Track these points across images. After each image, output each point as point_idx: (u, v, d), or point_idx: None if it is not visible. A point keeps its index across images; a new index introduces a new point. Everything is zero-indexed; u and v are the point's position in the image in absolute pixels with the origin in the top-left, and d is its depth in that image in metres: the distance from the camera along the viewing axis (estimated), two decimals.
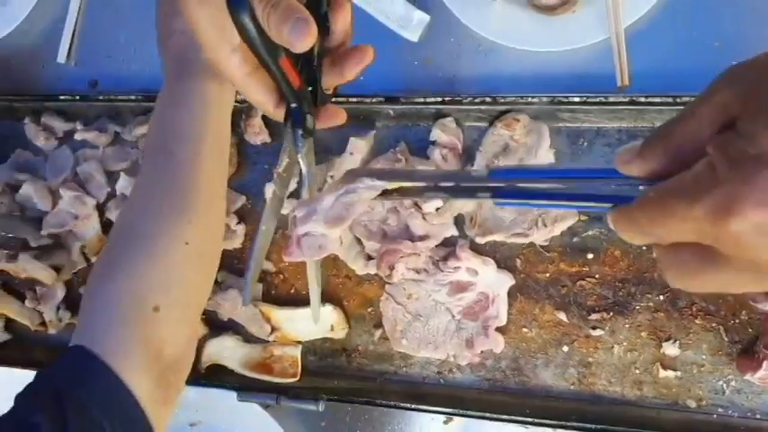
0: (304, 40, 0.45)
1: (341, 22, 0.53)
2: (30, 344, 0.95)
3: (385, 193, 0.47)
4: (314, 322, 0.75)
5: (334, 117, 0.57)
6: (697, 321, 0.72)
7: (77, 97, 0.92)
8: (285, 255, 0.56)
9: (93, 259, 0.90)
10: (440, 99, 0.77)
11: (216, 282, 0.84)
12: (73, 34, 0.95)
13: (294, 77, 0.50)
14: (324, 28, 0.52)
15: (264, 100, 0.52)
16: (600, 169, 0.38)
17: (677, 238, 0.33)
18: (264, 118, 0.84)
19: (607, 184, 0.37)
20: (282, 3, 0.45)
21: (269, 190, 0.55)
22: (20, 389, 0.56)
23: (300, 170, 0.58)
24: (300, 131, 0.54)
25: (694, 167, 0.32)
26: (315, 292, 0.69)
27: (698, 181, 0.31)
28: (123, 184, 0.89)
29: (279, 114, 0.54)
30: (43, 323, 0.93)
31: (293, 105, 0.53)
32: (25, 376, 0.57)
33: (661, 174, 0.34)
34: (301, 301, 0.84)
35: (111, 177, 0.90)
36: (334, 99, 0.57)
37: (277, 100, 0.53)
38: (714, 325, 0.71)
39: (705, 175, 0.31)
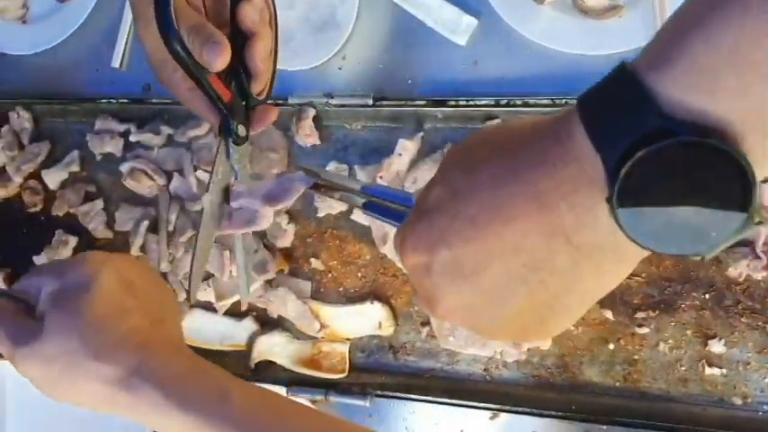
0: (217, 59, 0.53)
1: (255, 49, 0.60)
2: None
3: (315, 186, 0.58)
4: (241, 300, 0.73)
5: (266, 117, 0.64)
6: (743, 319, 0.75)
7: (131, 101, 0.98)
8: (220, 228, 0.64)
9: None
10: (487, 101, 0.81)
11: (267, 281, 0.89)
12: (127, 40, 1.01)
13: (224, 92, 0.59)
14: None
15: (206, 112, 0.60)
16: None
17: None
18: (316, 120, 0.89)
19: None
20: (204, 30, 0.54)
21: (206, 200, 0.63)
22: None
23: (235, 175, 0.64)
24: (231, 139, 0.61)
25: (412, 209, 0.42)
26: (241, 267, 0.69)
27: (403, 222, 0.41)
28: (176, 185, 0.94)
29: (215, 124, 0.62)
30: None
31: (224, 117, 0.60)
32: None
33: None
34: (350, 299, 0.89)
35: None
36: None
37: (217, 112, 0.60)
38: (760, 323, 0.75)
39: (408, 218, 0.41)
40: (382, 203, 0.52)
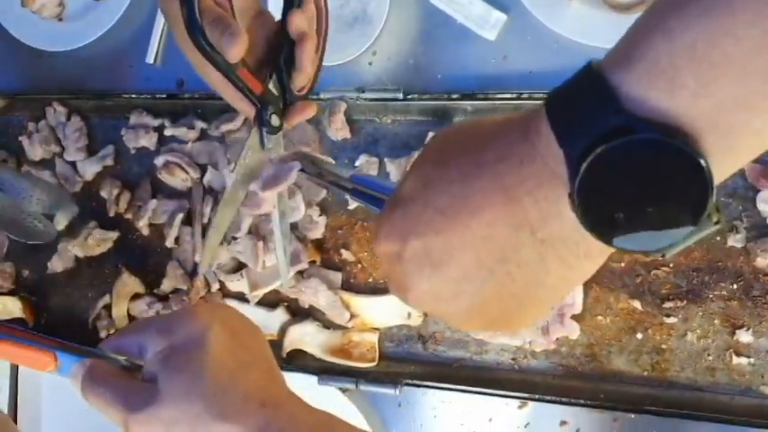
0: (233, 49, 0.56)
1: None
2: None
3: (304, 170, 0.64)
4: (282, 281, 0.77)
5: (303, 112, 0.67)
6: None
7: (165, 96, 1.01)
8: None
9: None
10: (516, 95, 0.83)
11: (299, 271, 0.92)
12: (161, 36, 1.04)
13: (255, 85, 0.62)
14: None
15: (240, 102, 0.64)
16: None
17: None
18: (347, 114, 0.91)
19: None
20: (222, 21, 0.57)
21: (229, 180, 0.66)
22: None
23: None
24: (265, 129, 0.65)
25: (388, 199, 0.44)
26: (279, 250, 0.72)
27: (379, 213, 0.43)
28: (210, 178, 0.98)
29: (250, 113, 0.65)
30: None
31: (259, 107, 0.64)
32: None
33: None
34: (379, 289, 0.92)
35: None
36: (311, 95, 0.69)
37: (251, 103, 0.64)
38: None
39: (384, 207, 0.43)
40: (368, 191, 0.54)
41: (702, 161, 0.30)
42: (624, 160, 0.31)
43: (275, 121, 0.65)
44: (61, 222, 1.04)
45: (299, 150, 0.75)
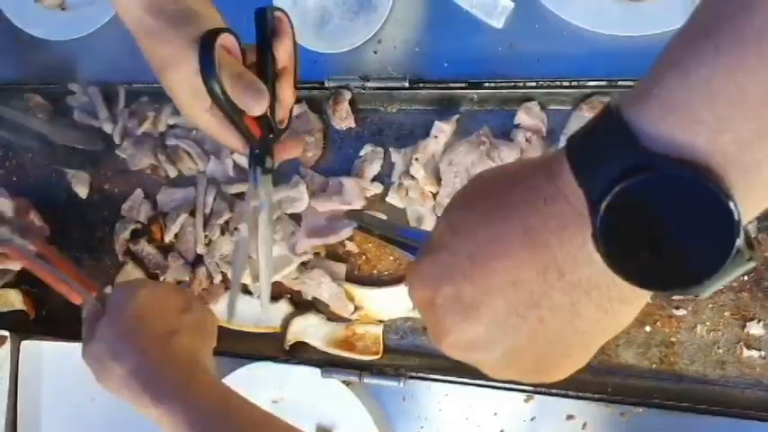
0: (257, 105, 0.63)
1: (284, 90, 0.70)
2: None
3: (361, 229, 0.64)
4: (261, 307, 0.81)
5: (291, 150, 0.74)
6: None
7: None
8: None
9: None
10: (524, 83, 0.83)
11: (302, 263, 0.92)
12: None
13: (256, 130, 0.67)
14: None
15: (237, 145, 0.69)
16: None
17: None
18: (352, 103, 0.91)
19: None
20: (245, 77, 0.63)
21: (243, 228, 0.73)
22: None
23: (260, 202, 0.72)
24: (260, 170, 0.69)
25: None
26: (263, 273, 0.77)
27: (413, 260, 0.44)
28: (213, 167, 0.98)
29: (246, 153, 0.70)
30: None
31: (256, 151, 0.69)
32: None
33: None
34: (383, 281, 0.92)
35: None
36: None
37: (245, 143, 0.69)
38: None
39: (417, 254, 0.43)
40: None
41: (723, 196, 0.30)
42: (644, 198, 0.31)
43: (269, 162, 0.70)
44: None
45: (360, 210, 0.81)
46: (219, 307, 0.98)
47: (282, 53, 0.68)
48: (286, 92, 0.69)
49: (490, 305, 0.37)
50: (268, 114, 0.67)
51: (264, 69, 0.67)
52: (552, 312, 0.36)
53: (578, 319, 0.36)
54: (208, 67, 0.60)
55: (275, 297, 0.95)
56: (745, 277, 0.77)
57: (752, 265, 0.31)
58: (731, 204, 0.30)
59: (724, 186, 0.30)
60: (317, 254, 0.93)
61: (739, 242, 0.30)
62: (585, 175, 0.33)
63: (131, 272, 1.02)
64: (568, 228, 0.34)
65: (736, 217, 0.30)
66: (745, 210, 0.30)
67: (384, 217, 0.75)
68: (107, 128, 1.03)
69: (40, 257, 0.92)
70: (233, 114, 0.63)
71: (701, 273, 0.31)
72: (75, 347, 0.98)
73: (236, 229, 0.94)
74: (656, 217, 0.31)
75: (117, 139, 1.02)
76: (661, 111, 0.30)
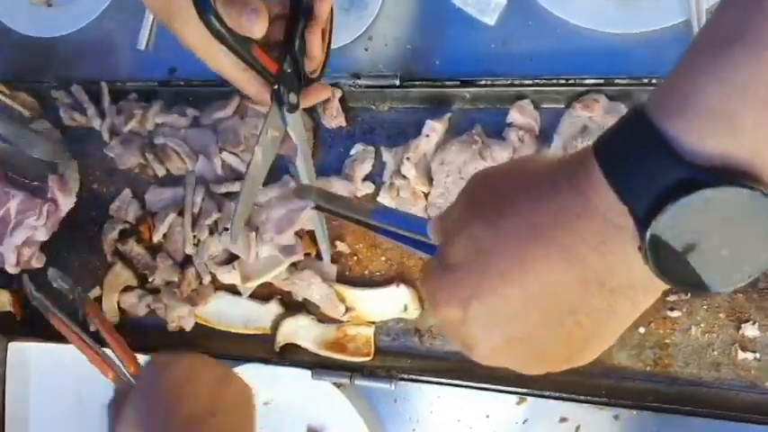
0: (255, 25, 0.59)
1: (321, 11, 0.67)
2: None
3: (318, 208, 0.62)
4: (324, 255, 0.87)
5: (318, 94, 0.72)
6: None
7: (156, 83, 1.00)
8: None
9: None
10: (517, 81, 0.82)
11: (293, 263, 0.91)
12: (152, 22, 1.03)
13: (270, 64, 0.64)
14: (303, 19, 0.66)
15: (258, 91, 0.67)
16: None
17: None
18: (342, 102, 0.90)
19: None
20: (238, 0, 0.59)
21: (258, 151, 0.71)
22: None
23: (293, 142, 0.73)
24: (285, 107, 0.68)
25: (434, 257, 0.44)
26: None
27: (426, 269, 0.44)
28: (201, 166, 0.96)
29: (268, 100, 0.68)
30: None
31: (275, 87, 0.66)
32: None
33: None
34: (375, 282, 0.90)
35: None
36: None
37: (269, 90, 0.67)
38: None
39: (431, 265, 0.43)
40: (390, 227, 0.53)
41: None
42: (693, 210, 0.31)
43: (293, 98, 0.67)
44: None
45: (307, 185, 0.76)
46: (209, 307, 0.96)
47: (320, 5, 0.65)
48: (314, 45, 0.66)
49: (525, 320, 0.38)
50: (298, 57, 0.66)
51: (292, 13, 0.66)
52: (590, 316, 0.38)
53: (614, 315, 0.37)
54: (202, 1, 0.57)
55: (265, 298, 0.94)
56: None
57: None
58: None
59: (765, 187, 0.30)
60: (307, 254, 0.92)
61: None
62: (627, 192, 0.32)
63: (120, 272, 1.01)
64: (608, 242, 0.34)
65: None
66: None
67: (350, 197, 0.74)
68: (95, 124, 1.01)
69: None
70: (239, 48, 0.60)
71: (750, 272, 0.32)
72: (62, 348, 0.97)
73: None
74: (705, 227, 0.31)
75: (105, 136, 1.01)
76: (698, 120, 0.30)
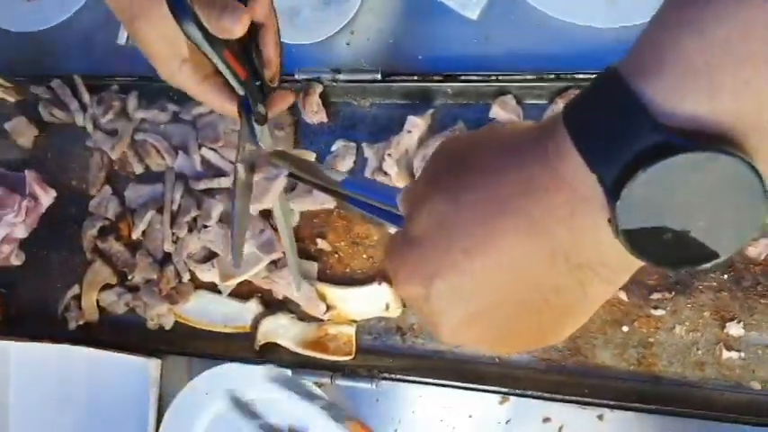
0: (237, 25, 0.58)
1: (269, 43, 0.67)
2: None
3: (291, 175, 0.62)
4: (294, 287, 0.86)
5: (283, 101, 0.71)
6: (762, 301, 0.74)
7: (136, 78, 0.99)
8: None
9: None
10: (499, 76, 0.81)
11: (272, 261, 0.90)
12: None
13: (239, 69, 0.63)
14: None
15: (220, 100, 0.66)
16: None
17: None
18: (323, 97, 0.89)
19: None
20: (218, 2, 0.58)
21: (240, 168, 0.72)
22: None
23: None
24: (254, 118, 0.67)
25: (399, 232, 0.42)
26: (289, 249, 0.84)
27: (391, 244, 0.41)
28: (180, 162, 0.95)
29: (234, 110, 0.67)
30: None
31: (243, 96, 0.66)
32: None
33: None
34: (357, 280, 0.89)
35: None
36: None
37: (231, 98, 0.66)
38: None
39: (396, 239, 0.41)
40: (361, 197, 0.52)
41: (752, 166, 0.28)
42: (667, 178, 0.28)
43: (262, 109, 0.67)
44: None
45: (279, 150, 0.75)
46: (189, 306, 0.95)
47: (259, 9, 0.64)
48: (270, 49, 0.66)
49: (491, 295, 0.36)
50: (257, 66, 0.65)
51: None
52: (558, 293, 0.36)
53: (583, 294, 0.36)
54: (179, 3, 0.56)
55: (245, 296, 0.93)
56: (725, 276, 0.75)
57: None
58: (757, 170, 0.28)
59: (746, 153, 0.28)
60: None
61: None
62: (597, 159, 0.30)
63: (99, 270, 0.99)
64: (576, 215, 0.32)
65: (765, 184, 0.28)
66: (765, 173, 0.28)
67: (312, 156, 0.75)
68: (78, 119, 1.00)
69: None
70: (211, 51, 0.59)
71: (729, 246, 0.30)
72: (43, 348, 0.96)
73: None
74: (678, 195, 0.29)
75: (89, 128, 1.00)
76: (677, 80, 0.28)
